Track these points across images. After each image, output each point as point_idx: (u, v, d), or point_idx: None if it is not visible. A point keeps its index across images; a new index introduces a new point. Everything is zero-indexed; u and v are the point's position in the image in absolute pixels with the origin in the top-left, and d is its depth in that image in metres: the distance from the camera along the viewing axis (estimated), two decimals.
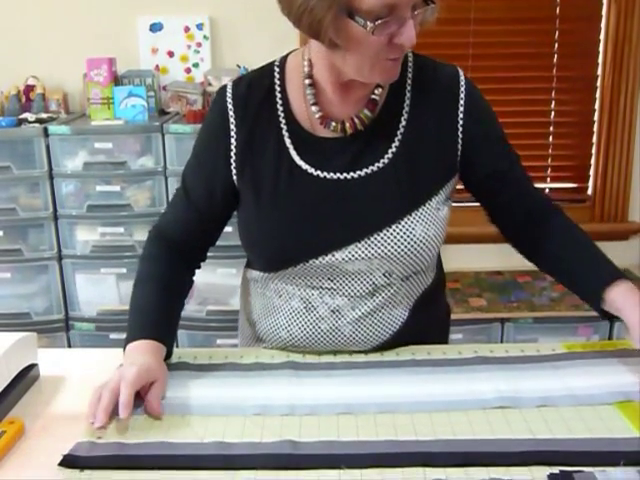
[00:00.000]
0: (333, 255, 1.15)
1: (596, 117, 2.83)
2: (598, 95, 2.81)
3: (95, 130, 2.48)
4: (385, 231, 1.14)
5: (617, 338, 2.52)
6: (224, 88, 1.21)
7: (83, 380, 1.13)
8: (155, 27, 2.71)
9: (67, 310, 2.61)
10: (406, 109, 1.17)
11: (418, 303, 1.23)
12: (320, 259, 1.15)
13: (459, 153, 1.19)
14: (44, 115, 2.57)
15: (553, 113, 2.86)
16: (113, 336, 2.54)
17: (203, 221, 1.24)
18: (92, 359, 1.24)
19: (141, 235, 2.53)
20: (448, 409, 1.03)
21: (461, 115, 1.18)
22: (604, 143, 2.81)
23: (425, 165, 1.16)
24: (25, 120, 2.51)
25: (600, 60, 2.78)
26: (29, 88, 2.68)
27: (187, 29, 2.70)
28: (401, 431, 0.97)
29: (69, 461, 0.91)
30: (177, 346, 1.22)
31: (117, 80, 2.64)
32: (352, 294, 1.18)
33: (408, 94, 1.18)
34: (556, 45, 2.79)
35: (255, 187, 1.18)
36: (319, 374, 1.14)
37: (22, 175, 2.48)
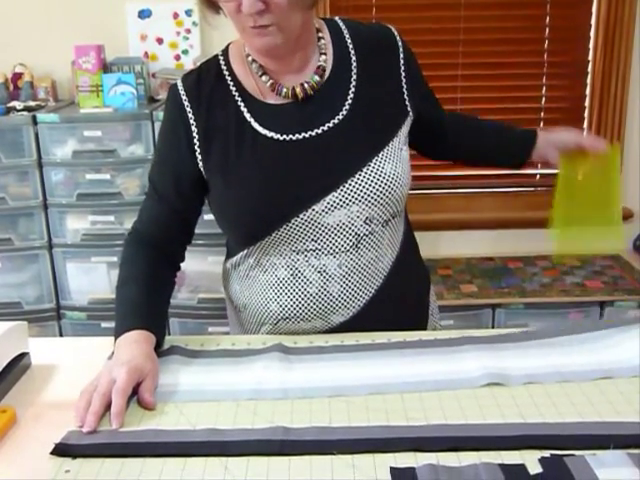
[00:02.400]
0: (313, 209, 1.18)
1: (587, 102, 2.83)
2: (589, 80, 2.81)
3: (84, 118, 2.46)
4: (357, 175, 1.20)
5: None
6: (175, 85, 1.27)
7: (75, 369, 1.13)
8: (144, 13, 2.69)
9: (58, 299, 2.61)
10: (354, 65, 1.26)
11: (398, 256, 1.29)
12: (301, 216, 1.18)
13: (406, 97, 1.29)
14: (32, 103, 2.55)
15: (544, 99, 2.86)
16: (104, 325, 2.54)
17: (175, 214, 1.27)
18: (83, 348, 1.24)
19: (131, 223, 2.51)
20: (437, 388, 1.04)
21: (402, 67, 1.29)
22: (595, 129, 2.81)
23: (381, 111, 1.25)
24: (13, 108, 2.49)
25: (591, 45, 2.78)
26: (17, 76, 2.66)
27: (176, 15, 2.68)
28: (392, 416, 0.97)
29: (61, 450, 0.91)
30: (169, 334, 1.22)
31: (106, 67, 2.61)
32: (337, 249, 1.21)
33: (352, 53, 1.27)
34: (547, 30, 2.79)
35: (223, 166, 1.22)
36: (310, 358, 1.14)
37: (11, 164, 2.47)
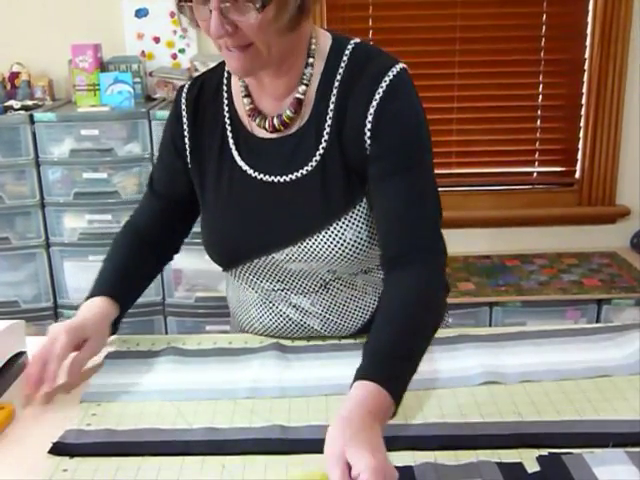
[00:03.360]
0: (273, 257, 1.15)
1: (584, 100, 2.82)
2: (586, 78, 2.81)
3: (81, 117, 2.46)
4: (316, 236, 1.11)
5: (605, 321, 2.53)
6: (181, 90, 1.23)
7: None
8: (140, 12, 2.69)
9: (55, 298, 2.60)
10: (331, 107, 1.09)
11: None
12: (263, 259, 1.15)
13: (366, 150, 1.08)
14: (29, 102, 2.55)
15: (541, 97, 2.86)
16: None
17: (167, 212, 1.26)
18: None
19: None
20: (434, 387, 1.04)
21: (370, 114, 1.06)
22: (592, 126, 2.81)
23: (351, 168, 1.09)
24: (10, 107, 2.49)
25: (588, 42, 2.77)
26: (14, 75, 2.66)
27: (173, 14, 2.67)
28: None
29: (58, 448, 0.91)
30: (166, 332, 1.22)
31: (103, 66, 2.61)
32: (305, 291, 1.18)
33: (334, 92, 1.09)
34: (543, 28, 2.79)
35: (202, 188, 1.20)
36: (307, 356, 1.14)
37: (8, 163, 2.46)
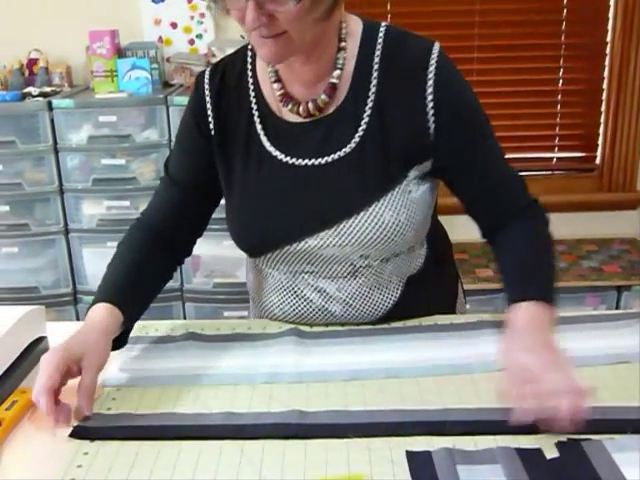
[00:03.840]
0: (306, 242, 1.14)
1: (605, 85, 2.79)
2: (607, 62, 2.77)
3: (99, 103, 2.46)
4: (354, 219, 1.11)
5: (624, 308, 2.52)
6: (202, 75, 1.20)
7: None
8: None
9: (75, 284, 2.62)
10: (372, 90, 1.11)
11: (410, 281, 1.21)
12: (294, 245, 1.14)
13: (432, 137, 1.11)
14: (48, 89, 2.56)
15: (561, 81, 2.83)
16: None
17: (186, 204, 1.22)
18: None
19: None
20: (454, 373, 1.04)
21: (430, 97, 1.09)
22: (613, 111, 2.78)
23: (393, 150, 1.11)
24: (29, 94, 2.50)
25: (610, 26, 2.74)
26: (32, 62, 2.67)
27: (190, 0, 2.67)
28: (408, 400, 0.97)
29: (78, 432, 0.92)
30: (185, 318, 1.22)
31: (120, 52, 2.61)
32: (333, 276, 1.17)
33: (375, 75, 1.11)
34: (565, 11, 2.75)
35: (228, 175, 1.18)
36: (326, 342, 1.14)
37: (27, 150, 2.48)
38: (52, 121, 2.45)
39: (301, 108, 1.12)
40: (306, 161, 1.13)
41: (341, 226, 1.11)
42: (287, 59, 1.07)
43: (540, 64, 2.80)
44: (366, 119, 1.11)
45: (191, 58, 2.65)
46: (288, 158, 1.14)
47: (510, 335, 1.00)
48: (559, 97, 2.85)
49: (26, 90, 2.52)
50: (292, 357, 1.09)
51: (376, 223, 1.11)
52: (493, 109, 2.80)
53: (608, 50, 2.76)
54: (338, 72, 1.11)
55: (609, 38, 2.75)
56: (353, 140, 1.11)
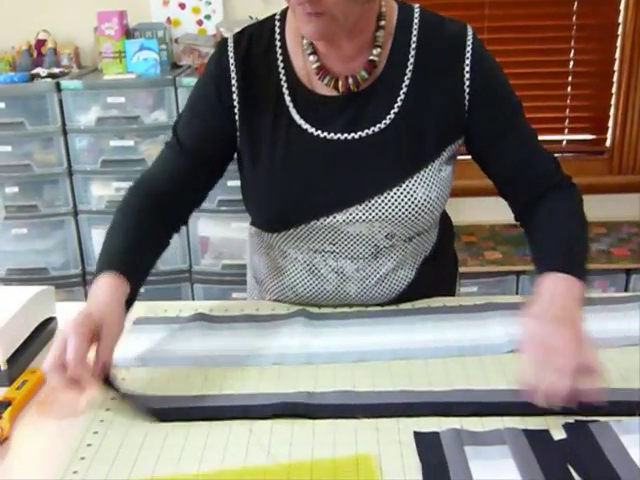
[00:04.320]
0: (334, 217, 1.13)
1: (616, 66, 2.77)
2: (619, 43, 2.75)
3: (107, 84, 2.46)
4: (386, 194, 1.11)
5: (633, 291, 2.51)
6: (225, 43, 1.17)
7: None
8: None
9: (84, 265, 2.64)
10: (410, 68, 1.12)
11: (424, 262, 1.22)
12: (321, 220, 1.14)
13: (466, 115, 1.13)
14: (56, 70, 2.55)
15: (572, 62, 2.80)
16: None
17: (192, 170, 1.18)
18: None
19: None
20: (461, 354, 1.04)
21: (467, 75, 1.11)
22: (624, 93, 2.76)
23: (428, 127, 1.12)
24: (37, 75, 2.50)
25: (622, 7, 2.71)
26: (40, 43, 2.66)
27: None
28: (416, 381, 0.97)
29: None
30: (193, 299, 1.22)
31: (128, 33, 2.61)
32: (355, 256, 1.17)
33: (412, 53, 1.13)
34: None
35: (254, 146, 1.16)
36: (334, 323, 1.15)
37: (36, 131, 2.48)
38: (60, 102, 2.45)
39: (340, 83, 1.11)
40: (338, 135, 1.13)
41: (372, 202, 1.12)
42: (327, 38, 1.07)
43: (551, 45, 2.78)
44: (402, 96, 1.12)
45: (199, 39, 2.64)
46: (319, 132, 1.13)
47: (536, 302, 0.98)
48: (569, 79, 2.82)
49: (34, 71, 2.52)
50: (300, 338, 1.09)
51: (408, 199, 1.11)
52: None
53: (620, 31, 2.73)
54: (378, 50, 1.12)
55: (621, 19, 2.72)
56: (388, 117, 1.12)
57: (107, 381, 0.94)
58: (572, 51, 2.79)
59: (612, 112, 2.83)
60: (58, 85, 2.43)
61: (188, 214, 1.23)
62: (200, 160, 1.18)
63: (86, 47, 2.72)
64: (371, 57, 1.11)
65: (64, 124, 2.47)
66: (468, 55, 1.11)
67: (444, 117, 1.12)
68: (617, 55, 2.76)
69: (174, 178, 1.18)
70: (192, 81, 2.40)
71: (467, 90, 1.12)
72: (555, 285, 1.00)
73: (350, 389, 0.96)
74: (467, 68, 1.11)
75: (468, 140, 1.16)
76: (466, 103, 1.12)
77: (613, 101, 2.81)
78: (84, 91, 2.44)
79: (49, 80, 2.46)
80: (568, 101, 2.85)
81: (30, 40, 2.65)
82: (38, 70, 2.52)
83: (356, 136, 1.13)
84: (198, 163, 1.18)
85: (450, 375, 0.99)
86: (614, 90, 2.80)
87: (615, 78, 2.78)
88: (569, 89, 2.83)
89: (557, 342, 0.89)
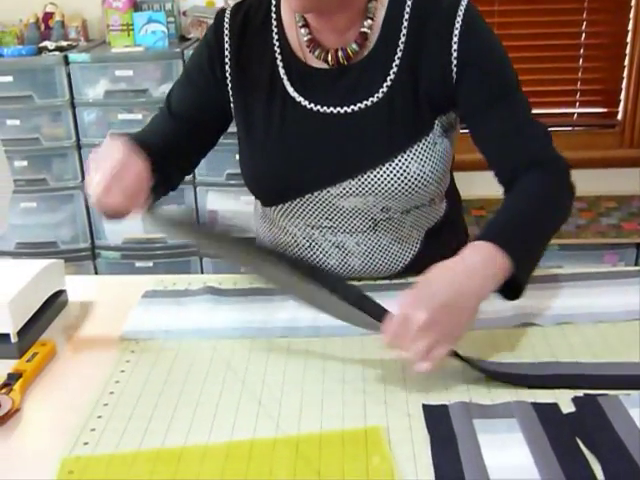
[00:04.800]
0: (328, 191, 1.13)
1: (629, 39, 2.73)
2: (632, 15, 2.70)
3: (115, 57, 2.45)
4: (379, 169, 1.10)
5: None
6: (222, 13, 1.18)
7: (111, 306, 1.15)
8: None
9: (93, 239, 2.64)
10: (402, 40, 1.11)
11: (430, 235, 1.21)
12: (316, 194, 1.14)
13: (454, 85, 1.10)
14: (64, 43, 2.54)
15: (584, 35, 2.77)
16: (139, 264, 2.57)
17: (180, 135, 1.19)
18: (118, 285, 1.26)
19: None
20: (472, 328, 1.03)
21: (455, 46, 1.08)
22: (636, 66, 2.72)
23: (420, 100, 1.10)
24: (45, 48, 2.49)
25: None
26: (48, 15, 2.65)
27: None
28: None
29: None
30: (202, 273, 1.23)
31: (136, 6, 2.59)
32: (353, 230, 1.17)
33: (405, 25, 1.11)
34: None
35: (248, 118, 1.17)
36: None
37: (44, 104, 2.47)
38: (69, 76, 2.44)
39: (329, 56, 1.11)
40: (331, 109, 1.12)
41: (365, 176, 1.11)
42: (315, 10, 1.06)
43: (562, 17, 2.74)
44: (395, 69, 1.11)
45: (208, 12, 2.62)
46: (312, 105, 1.13)
47: (438, 267, 0.92)
48: (581, 51, 2.79)
49: (42, 44, 2.51)
50: (309, 311, 1.09)
51: (401, 174, 1.10)
52: (514, 63, 2.75)
53: (633, 2, 2.69)
54: (369, 22, 1.10)
55: None
56: (381, 90, 1.11)
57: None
58: (584, 23, 2.75)
59: (624, 85, 2.79)
60: (66, 58, 2.42)
61: (176, 180, 1.23)
62: (188, 126, 1.19)
63: (94, 20, 2.71)
64: (362, 29, 1.10)
65: (72, 97, 2.46)
66: (458, 26, 1.08)
67: (435, 88, 1.10)
68: (630, 27, 2.72)
69: (163, 140, 1.18)
70: None
71: (455, 62, 1.09)
72: (472, 253, 0.94)
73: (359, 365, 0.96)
74: (455, 39, 1.08)
75: (458, 111, 1.14)
76: (454, 75, 1.10)
77: (625, 74, 2.77)
78: (92, 64, 2.43)
79: (57, 53, 2.45)
80: (580, 74, 2.81)
81: (38, 13, 2.63)
82: (46, 43, 2.51)
83: (349, 110, 1.12)
84: (186, 129, 1.19)
85: (460, 349, 0.98)
86: (626, 62, 2.76)
87: (628, 50, 2.74)
88: (581, 61, 2.80)
89: (421, 313, 0.85)
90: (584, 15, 2.74)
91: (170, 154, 1.17)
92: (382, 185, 1.11)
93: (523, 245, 0.97)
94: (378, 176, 1.11)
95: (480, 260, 0.92)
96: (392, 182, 1.10)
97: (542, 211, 1.05)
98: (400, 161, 1.10)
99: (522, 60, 2.75)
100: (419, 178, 1.11)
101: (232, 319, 1.09)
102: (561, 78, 2.81)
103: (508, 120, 1.11)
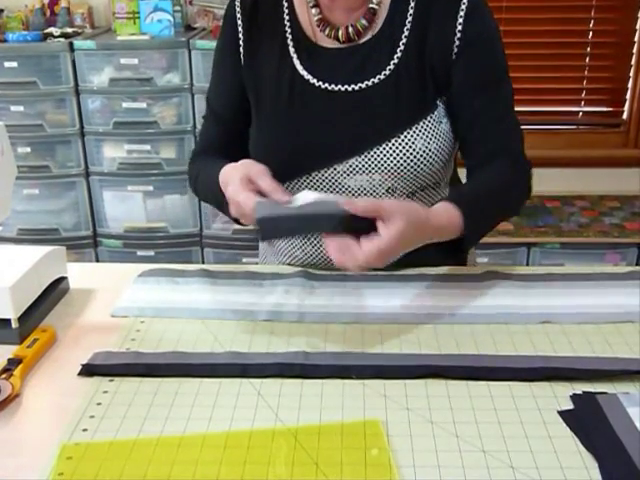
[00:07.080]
0: (335, 168, 1.15)
1: (636, 38, 2.73)
2: None
3: (121, 45, 2.44)
4: (385, 145, 1.13)
5: None
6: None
7: (112, 293, 1.15)
8: None
9: (95, 227, 2.65)
10: (409, 19, 1.14)
11: None
12: (322, 172, 1.15)
13: (452, 60, 1.14)
14: (69, 29, 2.54)
15: (591, 33, 2.76)
16: (140, 253, 2.57)
17: (232, 134, 1.24)
18: (120, 273, 1.26)
19: (167, 153, 2.53)
20: (454, 322, 1.03)
21: (459, 27, 1.12)
22: None
23: (426, 78, 1.14)
24: (50, 35, 2.49)
25: None
26: (54, 2, 2.65)
27: None
28: (405, 345, 0.97)
29: (88, 370, 0.93)
30: (203, 263, 1.23)
31: None
32: None
33: (412, 4, 1.14)
34: None
35: (257, 96, 1.20)
36: (333, 284, 1.14)
37: (48, 91, 2.47)
38: (73, 62, 2.44)
39: (340, 32, 1.14)
40: (339, 87, 1.15)
41: (371, 153, 1.13)
42: None
43: (570, 15, 2.74)
44: (402, 47, 1.14)
45: (214, 1, 2.61)
46: (321, 83, 1.16)
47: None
48: (588, 49, 2.78)
49: (47, 30, 2.50)
50: (296, 297, 1.09)
51: (407, 150, 1.12)
52: (520, 60, 2.76)
53: None
54: None
55: None
56: (388, 67, 1.14)
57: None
58: (592, 21, 2.75)
59: (630, 84, 2.79)
60: (71, 45, 2.42)
61: None
62: (235, 122, 1.24)
63: (100, 7, 2.70)
64: (371, 5, 1.14)
65: (77, 84, 2.46)
66: (464, 7, 1.12)
67: (440, 68, 1.13)
68: (638, 26, 2.71)
69: (219, 146, 1.24)
70: (206, 44, 2.38)
71: (457, 42, 1.12)
72: (439, 216, 1.02)
73: (341, 350, 0.96)
74: (461, 19, 1.12)
75: (449, 92, 1.16)
76: (454, 53, 1.13)
77: (632, 73, 2.77)
78: (97, 52, 2.43)
79: (62, 40, 2.45)
80: (586, 72, 2.81)
81: None
82: (51, 29, 2.51)
83: (356, 87, 1.15)
84: (234, 125, 1.24)
85: (440, 342, 0.98)
86: (633, 62, 2.75)
87: (635, 50, 2.74)
88: (587, 60, 2.80)
89: (376, 263, 0.91)
90: (592, 13, 2.73)
91: (230, 156, 1.17)
92: (388, 161, 1.13)
93: (480, 215, 1.08)
94: (384, 152, 1.13)
95: (445, 225, 1.03)
96: (398, 158, 1.12)
97: (501, 195, 1.14)
98: (406, 137, 1.12)
99: (529, 57, 2.75)
100: (424, 155, 1.13)
101: (221, 300, 1.09)
102: (567, 76, 2.81)
103: (492, 107, 1.16)
